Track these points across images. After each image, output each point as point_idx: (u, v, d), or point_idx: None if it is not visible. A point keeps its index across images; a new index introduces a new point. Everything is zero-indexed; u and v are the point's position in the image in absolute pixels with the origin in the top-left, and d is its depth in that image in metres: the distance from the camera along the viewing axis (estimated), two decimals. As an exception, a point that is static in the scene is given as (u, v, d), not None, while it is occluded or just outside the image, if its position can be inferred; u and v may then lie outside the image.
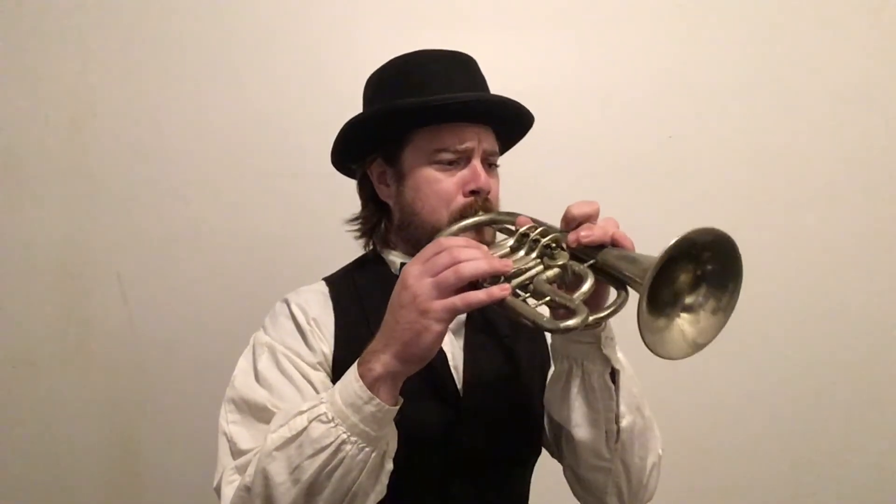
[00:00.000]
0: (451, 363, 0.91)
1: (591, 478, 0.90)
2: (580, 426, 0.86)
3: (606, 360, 0.82)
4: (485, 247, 0.71)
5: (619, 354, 0.86)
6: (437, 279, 0.67)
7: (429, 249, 0.71)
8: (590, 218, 0.75)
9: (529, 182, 1.41)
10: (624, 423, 0.84)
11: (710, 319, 0.67)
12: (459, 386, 0.90)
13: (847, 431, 1.65)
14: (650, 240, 1.73)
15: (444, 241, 0.71)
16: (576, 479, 0.94)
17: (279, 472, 0.70)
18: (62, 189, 1.51)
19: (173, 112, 1.52)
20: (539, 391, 0.95)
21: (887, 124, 1.63)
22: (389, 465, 0.75)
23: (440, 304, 0.67)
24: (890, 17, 1.63)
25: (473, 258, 0.67)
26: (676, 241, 0.59)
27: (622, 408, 0.84)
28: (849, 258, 1.63)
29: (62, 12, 1.50)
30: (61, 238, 1.51)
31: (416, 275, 0.69)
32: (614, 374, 0.83)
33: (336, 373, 0.88)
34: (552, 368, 0.93)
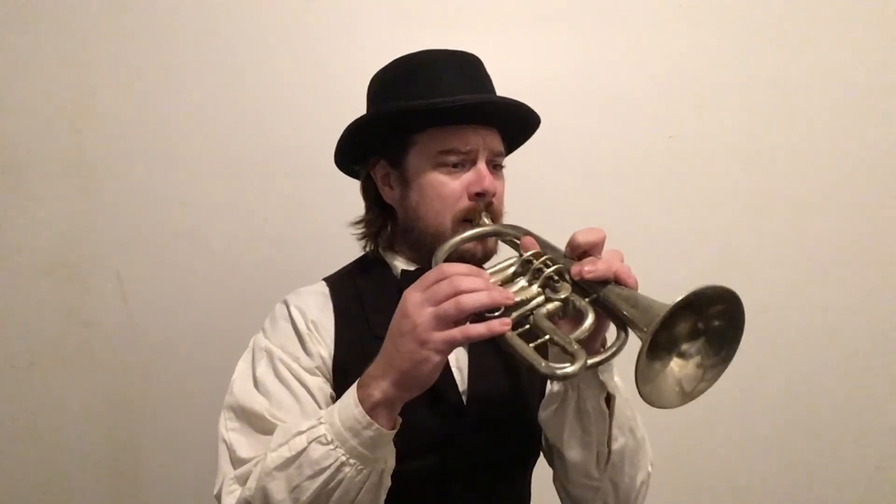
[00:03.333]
0: (454, 366, 0.91)
1: (580, 494, 0.91)
2: (572, 448, 0.86)
3: (602, 386, 0.81)
4: (487, 275, 0.71)
5: (616, 379, 0.86)
6: (438, 310, 0.67)
7: (430, 276, 0.70)
8: (595, 246, 0.74)
9: (529, 182, 1.40)
10: (615, 445, 0.85)
11: (696, 371, 0.67)
12: (462, 389, 0.90)
13: (846, 432, 1.65)
14: (650, 240, 1.73)
15: (446, 268, 0.70)
16: (565, 493, 0.95)
17: (279, 491, 0.71)
18: (62, 189, 1.51)
19: (174, 112, 1.52)
20: (540, 396, 0.95)
21: (888, 124, 1.63)
22: (388, 482, 0.76)
23: (440, 336, 0.67)
24: (891, 17, 1.63)
25: (475, 289, 0.67)
26: (685, 298, 0.59)
27: (615, 431, 0.84)
28: (849, 258, 1.63)
29: (62, 12, 1.50)
30: (61, 238, 1.51)
31: (417, 303, 0.69)
32: (609, 399, 0.83)
33: (336, 375, 0.88)
34: None
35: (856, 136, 1.63)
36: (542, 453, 1.00)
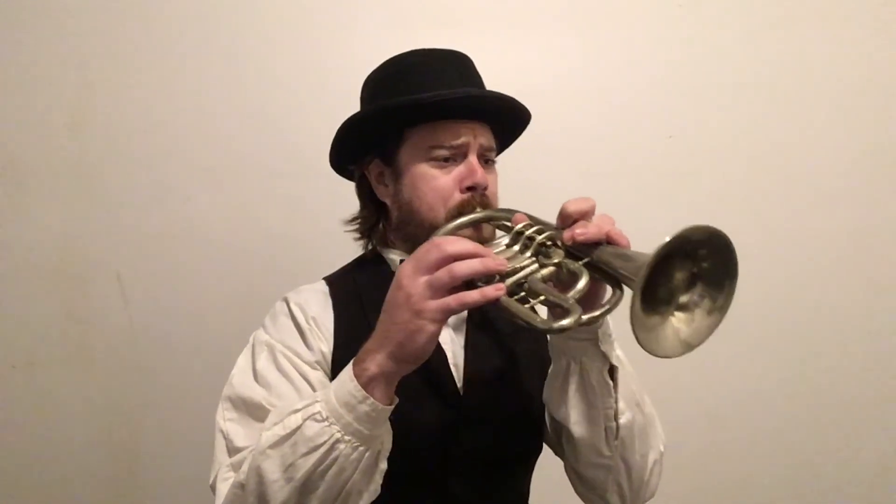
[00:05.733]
0: (451, 361, 0.91)
1: (592, 475, 0.90)
2: (579, 423, 0.85)
3: (604, 357, 0.81)
4: (480, 245, 0.70)
5: (618, 351, 0.86)
6: (431, 279, 0.67)
7: (423, 248, 0.70)
8: (585, 215, 0.74)
9: (529, 182, 1.40)
10: (623, 419, 0.84)
11: (704, 319, 0.66)
12: (460, 385, 0.90)
13: (847, 431, 1.64)
14: (650, 240, 1.72)
15: (438, 239, 0.70)
16: (577, 477, 0.94)
17: (273, 470, 0.70)
18: (62, 189, 1.51)
19: (173, 112, 1.53)
20: (540, 390, 0.94)
21: (888, 124, 1.63)
22: (383, 465, 0.75)
23: (434, 304, 0.66)
24: (890, 17, 1.63)
25: (468, 257, 0.67)
26: (670, 240, 0.59)
27: (621, 405, 0.84)
28: (849, 258, 1.63)
29: (62, 12, 1.50)
30: (61, 238, 1.51)
31: (410, 274, 0.69)
32: (612, 371, 0.83)
33: (335, 371, 0.87)
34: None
35: (856, 135, 1.63)
36: (550, 447, 0.99)
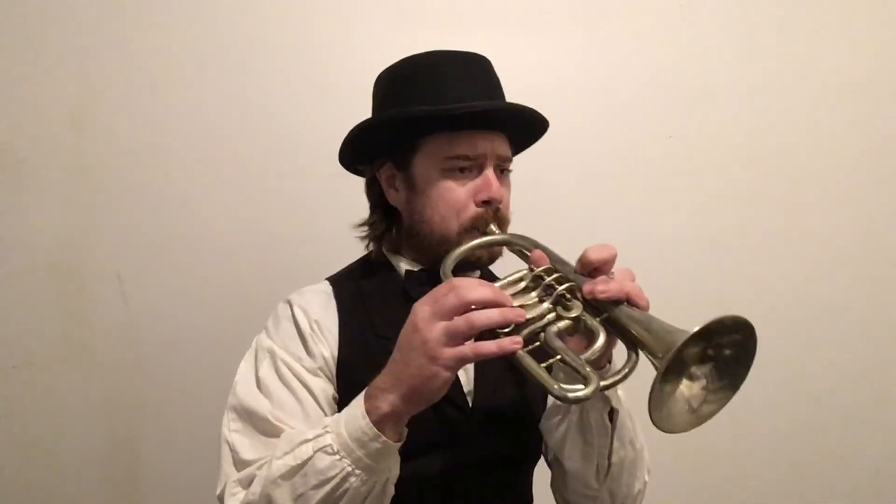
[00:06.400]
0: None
1: (577, 502, 0.92)
2: (572, 459, 0.86)
3: (606, 400, 0.81)
4: (499, 291, 0.69)
5: (619, 391, 0.86)
6: (449, 326, 0.66)
7: (441, 290, 0.69)
8: (606, 263, 0.72)
9: (529, 182, 1.40)
10: (615, 458, 0.85)
11: (702, 393, 0.67)
12: (468, 390, 0.90)
13: (847, 433, 1.65)
14: (650, 240, 1.72)
15: (457, 282, 0.69)
16: (562, 500, 0.96)
17: (283, 499, 0.71)
18: (62, 189, 1.50)
19: (174, 112, 1.52)
20: (545, 397, 0.96)
21: (888, 124, 1.63)
22: (391, 490, 0.76)
23: (450, 353, 0.66)
24: (890, 17, 1.63)
25: (486, 304, 0.66)
26: (699, 329, 0.58)
27: (616, 444, 0.84)
28: (849, 257, 1.64)
29: (62, 12, 1.49)
30: (61, 238, 1.51)
31: (427, 318, 0.68)
32: (612, 413, 0.83)
33: (339, 373, 0.88)
34: None
35: (855, 135, 1.63)
36: (543, 456, 1.00)
